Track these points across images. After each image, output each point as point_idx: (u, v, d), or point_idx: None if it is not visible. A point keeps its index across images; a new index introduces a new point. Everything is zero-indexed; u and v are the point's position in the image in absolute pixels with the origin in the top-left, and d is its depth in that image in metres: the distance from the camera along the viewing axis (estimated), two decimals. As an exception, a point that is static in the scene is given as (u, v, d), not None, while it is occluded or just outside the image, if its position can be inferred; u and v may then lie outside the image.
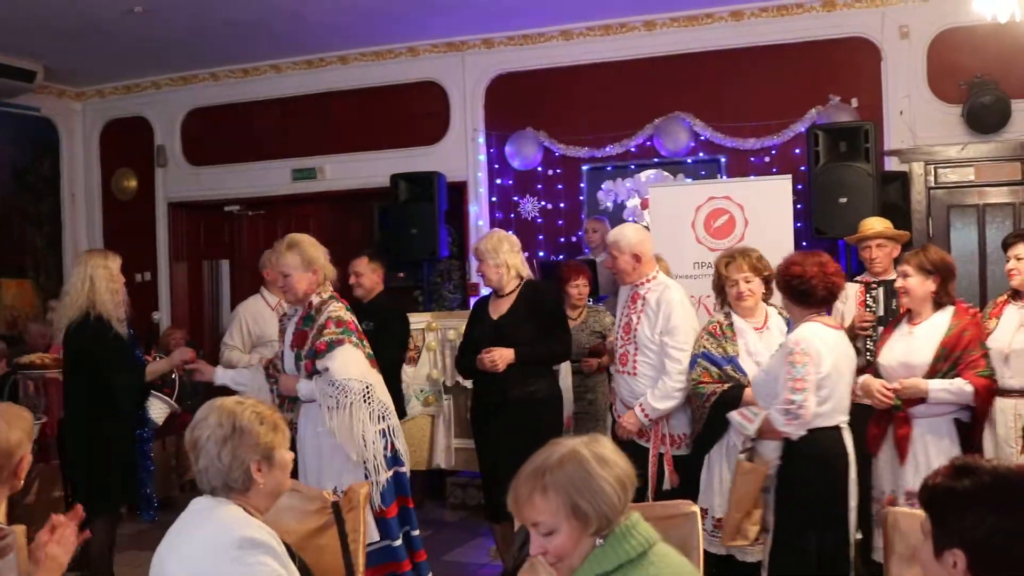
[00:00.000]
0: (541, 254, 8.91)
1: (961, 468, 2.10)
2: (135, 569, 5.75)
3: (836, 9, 8.18)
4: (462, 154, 9.20)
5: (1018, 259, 5.10)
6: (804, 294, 4.46)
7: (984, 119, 7.76)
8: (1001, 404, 5.06)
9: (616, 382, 5.75)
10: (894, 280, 5.29)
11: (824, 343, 4.40)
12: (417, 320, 7.42)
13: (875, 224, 6.29)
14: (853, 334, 5.70)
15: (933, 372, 4.80)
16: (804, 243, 7.71)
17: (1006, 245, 5.26)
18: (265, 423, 2.88)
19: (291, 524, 3.41)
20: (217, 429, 2.83)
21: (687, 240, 7.28)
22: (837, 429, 4.47)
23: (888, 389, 4.85)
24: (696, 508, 3.34)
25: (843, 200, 7.32)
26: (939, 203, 8.04)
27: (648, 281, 5.52)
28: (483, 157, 9.15)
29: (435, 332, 7.54)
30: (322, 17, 8.35)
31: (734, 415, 4.67)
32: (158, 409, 5.83)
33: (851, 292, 6.00)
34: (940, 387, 4.77)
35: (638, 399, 5.40)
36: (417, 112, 9.37)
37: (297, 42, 9.15)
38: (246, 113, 9.98)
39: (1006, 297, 5.26)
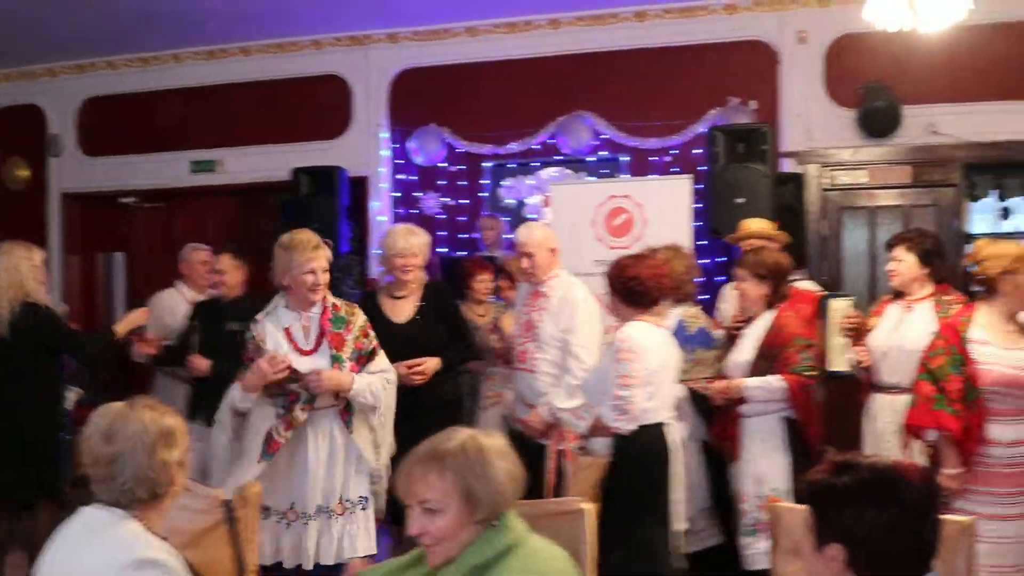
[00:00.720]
0: (443, 250, 8.86)
1: (841, 465, 2.14)
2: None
3: (737, 12, 8.29)
4: (364, 149, 9.10)
5: (897, 261, 5.23)
6: (638, 295, 4.69)
7: (877, 124, 7.94)
8: (879, 400, 5.18)
9: (515, 380, 5.72)
10: None
11: (650, 341, 4.65)
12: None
13: (751, 225, 6.25)
14: (729, 335, 5.77)
15: (753, 371, 4.91)
16: (703, 242, 7.81)
17: (888, 246, 5.39)
18: (172, 418, 2.79)
19: (182, 524, 3.29)
20: (144, 436, 2.67)
21: (587, 238, 7.30)
22: (660, 425, 4.69)
23: (717, 390, 5.01)
24: (586, 506, 3.28)
25: (740, 201, 7.40)
26: (833, 204, 8.20)
27: (551, 279, 5.53)
28: (386, 152, 9.06)
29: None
30: (225, 6, 8.21)
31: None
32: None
33: (730, 293, 6.04)
34: (755, 385, 4.90)
35: (540, 397, 5.38)
36: (320, 106, 9.26)
37: (199, 32, 8.98)
38: (145, 103, 9.74)
39: (889, 297, 5.38)
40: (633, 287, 4.66)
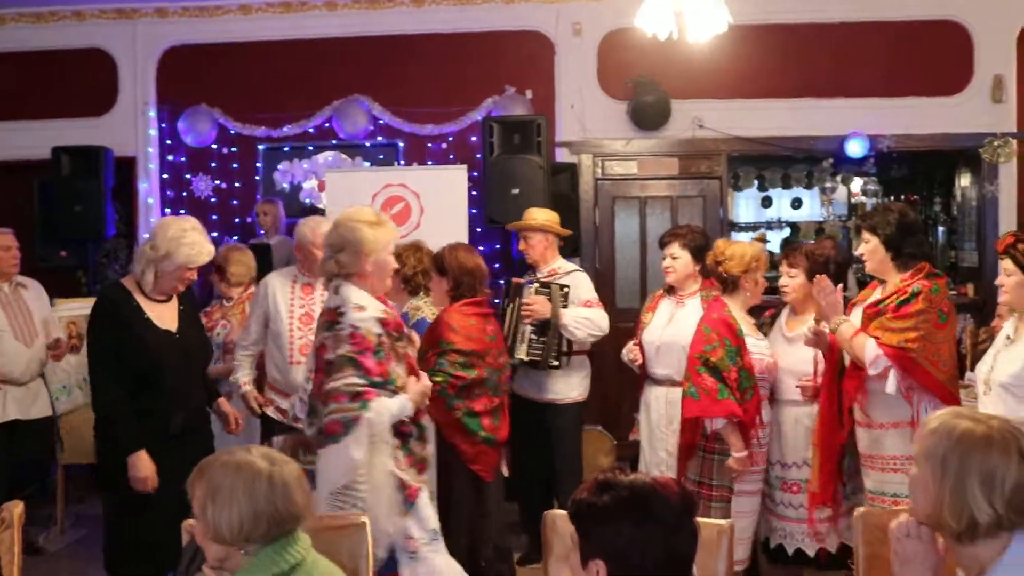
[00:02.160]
0: (215, 235, 8.57)
1: (603, 484, 2.22)
2: None
3: (514, 2, 8.36)
4: (131, 128, 8.70)
5: (673, 258, 5.33)
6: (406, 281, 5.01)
7: (647, 117, 8.18)
8: (654, 392, 5.33)
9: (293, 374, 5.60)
10: (549, 274, 5.76)
11: None
12: (80, 305, 6.94)
13: (536, 215, 6.14)
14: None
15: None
16: (479, 230, 7.85)
17: (662, 243, 5.47)
18: None
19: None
20: None
21: (363, 225, 7.20)
22: None
23: None
24: (366, 519, 3.22)
25: (515, 191, 7.46)
26: (605, 194, 8.40)
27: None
28: (154, 132, 8.70)
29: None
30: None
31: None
32: None
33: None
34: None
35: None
36: (83, 81, 8.77)
37: (-52, -1, 8.37)
38: None
39: (662, 292, 5.52)
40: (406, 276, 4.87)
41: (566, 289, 5.65)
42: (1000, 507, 2.13)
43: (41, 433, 6.36)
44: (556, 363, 5.65)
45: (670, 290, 5.43)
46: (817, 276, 4.52)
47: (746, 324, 4.86)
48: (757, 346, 4.83)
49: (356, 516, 3.20)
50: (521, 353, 5.60)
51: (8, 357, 6.01)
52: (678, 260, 5.32)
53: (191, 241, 4.34)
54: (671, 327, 5.26)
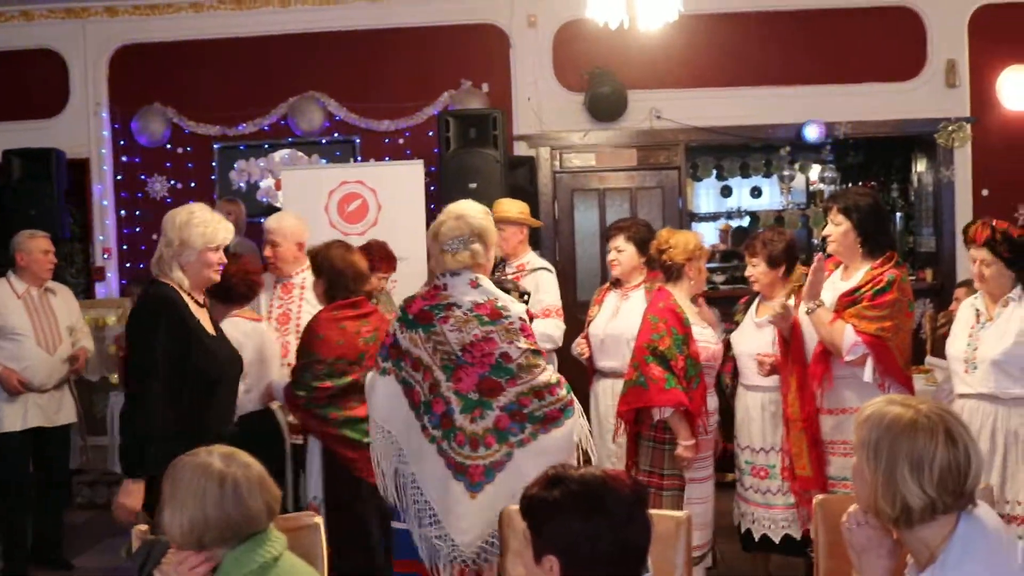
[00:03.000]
0: (171, 236, 8.48)
1: (553, 479, 2.20)
2: None
3: (459, -6, 8.32)
4: (83, 129, 8.59)
5: (618, 251, 5.33)
6: (225, 291, 4.70)
7: (603, 108, 8.18)
8: (601, 384, 5.35)
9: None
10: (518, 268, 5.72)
11: (244, 335, 4.72)
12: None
13: (502, 207, 5.96)
14: None
15: None
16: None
17: (607, 237, 5.46)
18: None
19: None
20: None
21: (321, 224, 7.10)
22: (266, 410, 4.95)
23: None
24: (319, 519, 3.15)
25: (473, 185, 7.41)
26: (564, 187, 8.39)
27: (302, 271, 5.43)
28: (107, 133, 8.60)
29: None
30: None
31: None
32: None
33: None
34: None
35: None
36: (33, 83, 8.64)
37: None
38: None
39: (608, 285, 5.52)
40: (223, 285, 4.48)
41: (526, 296, 5.60)
42: (931, 490, 2.14)
43: (66, 441, 6.29)
44: None
45: (616, 283, 5.44)
46: (819, 255, 4.50)
47: (691, 312, 4.82)
48: (703, 334, 4.80)
49: (310, 517, 3.14)
50: None
51: (30, 363, 5.91)
52: (623, 253, 5.32)
53: (201, 220, 3.97)
54: (616, 320, 5.28)
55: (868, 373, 4.28)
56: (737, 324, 5.12)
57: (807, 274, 4.50)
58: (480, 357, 3.70)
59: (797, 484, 4.62)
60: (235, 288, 4.82)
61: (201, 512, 2.38)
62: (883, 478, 2.18)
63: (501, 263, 5.88)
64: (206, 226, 3.96)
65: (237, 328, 4.71)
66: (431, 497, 3.70)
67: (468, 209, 3.90)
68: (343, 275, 4.67)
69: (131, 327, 3.95)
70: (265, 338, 4.98)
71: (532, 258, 5.92)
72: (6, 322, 6.03)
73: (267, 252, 5.56)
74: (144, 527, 2.89)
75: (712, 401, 4.86)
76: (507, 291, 5.42)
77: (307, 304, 5.34)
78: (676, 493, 4.71)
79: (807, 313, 4.39)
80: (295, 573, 2.50)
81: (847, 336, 4.26)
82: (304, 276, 5.40)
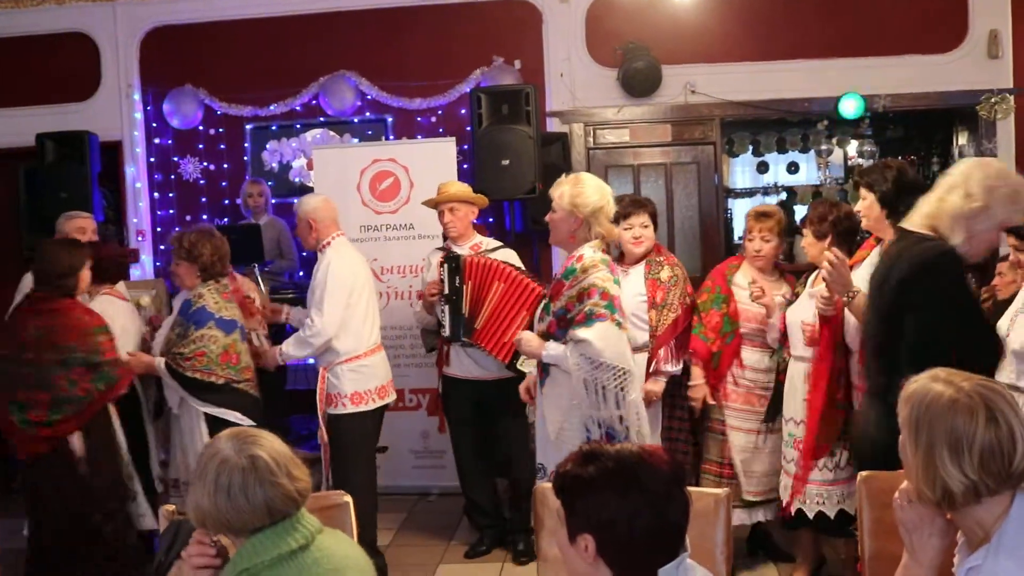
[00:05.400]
0: (204, 217, 8.48)
1: (587, 455, 2.15)
2: None
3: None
4: (116, 112, 8.58)
5: (643, 227, 5.37)
6: (101, 271, 5.33)
7: (638, 83, 8.06)
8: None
9: None
10: (473, 248, 5.73)
11: (115, 311, 5.30)
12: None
13: (450, 188, 5.89)
14: (427, 302, 5.79)
15: None
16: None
17: (626, 214, 5.35)
18: None
19: None
20: None
21: (353, 203, 7.11)
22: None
23: None
24: (349, 498, 3.13)
25: (505, 162, 7.34)
26: (598, 163, 8.28)
27: (326, 247, 5.49)
28: (139, 115, 8.59)
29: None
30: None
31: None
32: None
33: (434, 260, 5.90)
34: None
35: None
36: (65, 66, 8.64)
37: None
38: None
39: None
40: (97, 265, 5.17)
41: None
42: (972, 473, 2.05)
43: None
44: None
45: (619, 259, 5.40)
46: (827, 251, 4.40)
47: (745, 281, 5.23)
48: (746, 302, 5.19)
49: (339, 496, 3.10)
50: (528, 365, 5.41)
51: None
52: (647, 229, 5.39)
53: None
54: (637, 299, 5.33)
55: None
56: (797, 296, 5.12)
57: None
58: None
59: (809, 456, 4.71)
60: (105, 269, 5.37)
61: (202, 501, 2.33)
62: (923, 460, 2.11)
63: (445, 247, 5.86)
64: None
65: (110, 304, 5.33)
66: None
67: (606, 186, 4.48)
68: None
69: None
70: (126, 317, 5.45)
71: (483, 239, 5.91)
72: None
73: (297, 231, 5.65)
74: (171, 507, 2.86)
75: (754, 356, 5.21)
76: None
77: (313, 280, 5.46)
78: (715, 437, 5.28)
79: (845, 306, 4.31)
80: (318, 566, 2.37)
81: None
82: (325, 252, 5.46)
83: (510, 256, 5.75)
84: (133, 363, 5.14)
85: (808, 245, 4.97)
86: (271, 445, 2.38)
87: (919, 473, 2.12)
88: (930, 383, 2.16)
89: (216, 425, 4.87)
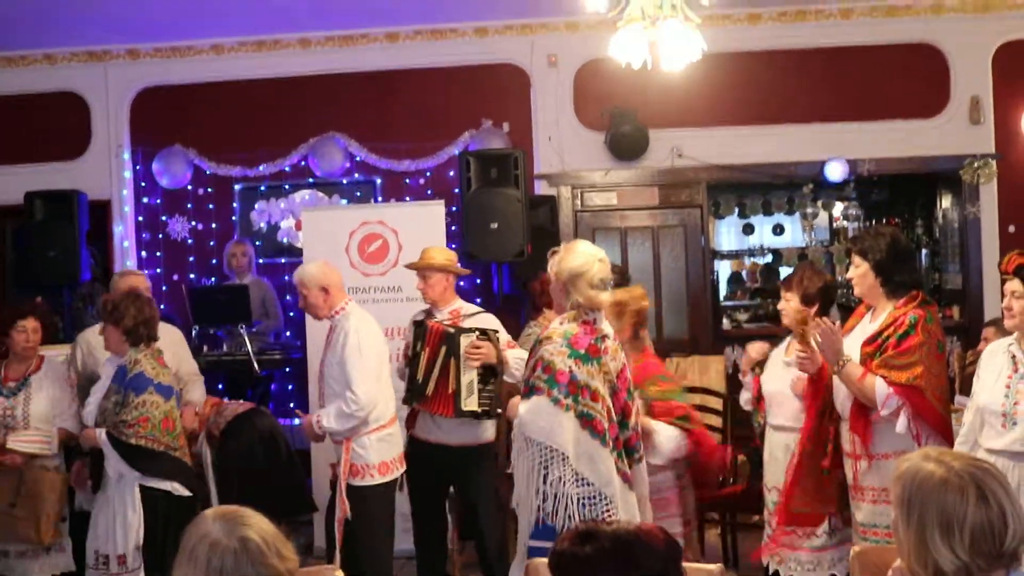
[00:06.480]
0: (192, 277, 8.48)
1: (584, 534, 2.16)
2: None
3: (488, 36, 8.34)
4: (105, 171, 8.61)
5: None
6: None
7: (625, 147, 8.15)
8: None
9: None
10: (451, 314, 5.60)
11: None
12: (57, 352, 6.75)
13: (434, 255, 5.77)
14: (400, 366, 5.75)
15: None
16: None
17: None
18: None
19: None
20: None
21: (342, 265, 6.99)
22: None
23: None
24: (340, 574, 3.10)
25: (494, 225, 7.38)
26: (585, 225, 8.34)
27: (337, 314, 5.38)
28: (128, 174, 8.62)
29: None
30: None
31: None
32: None
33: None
34: None
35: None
36: (55, 125, 8.68)
37: (-84, 44, 8.27)
38: None
39: None
40: None
41: (497, 334, 5.55)
42: (963, 554, 2.05)
43: None
44: (500, 411, 5.44)
45: None
46: (818, 319, 4.42)
47: None
48: None
49: (331, 571, 3.08)
50: (472, 404, 5.36)
51: None
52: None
53: None
54: None
55: (901, 425, 4.18)
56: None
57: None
58: (622, 382, 4.17)
59: (782, 519, 4.63)
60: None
61: None
62: (914, 540, 2.11)
63: (427, 310, 5.78)
64: None
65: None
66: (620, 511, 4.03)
67: (601, 252, 4.28)
68: None
69: None
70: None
71: (463, 304, 5.85)
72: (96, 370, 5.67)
73: (300, 304, 5.53)
74: None
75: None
76: (485, 333, 5.43)
77: (330, 351, 5.31)
78: None
79: (834, 373, 4.32)
80: None
81: (879, 390, 4.17)
82: (338, 320, 5.34)
83: (488, 321, 5.67)
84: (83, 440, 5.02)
85: (791, 310, 4.87)
86: (259, 525, 2.33)
87: (911, 552, 2.12)
88: (921, 462, 2.17)
89: (150, 496, 4.81)
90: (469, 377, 5.36)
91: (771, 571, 4.93)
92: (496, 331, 5.51)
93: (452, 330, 5.45)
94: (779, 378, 4.90)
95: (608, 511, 3.97)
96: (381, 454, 5.26)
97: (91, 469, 4.95)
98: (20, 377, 5.48)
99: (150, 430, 4.84)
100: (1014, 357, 3.89)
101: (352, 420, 5.16)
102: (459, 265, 5.89)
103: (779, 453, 4.86)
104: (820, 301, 4.82)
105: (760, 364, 5.11)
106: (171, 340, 5.81)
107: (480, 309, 5.89)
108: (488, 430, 5.66)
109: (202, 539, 2.27)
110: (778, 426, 4.89)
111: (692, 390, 6.76)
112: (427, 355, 5.46)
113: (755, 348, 5.19)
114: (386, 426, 5.31)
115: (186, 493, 4.88)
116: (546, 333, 4.17)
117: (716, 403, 6.45)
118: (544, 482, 4.00)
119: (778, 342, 5.15)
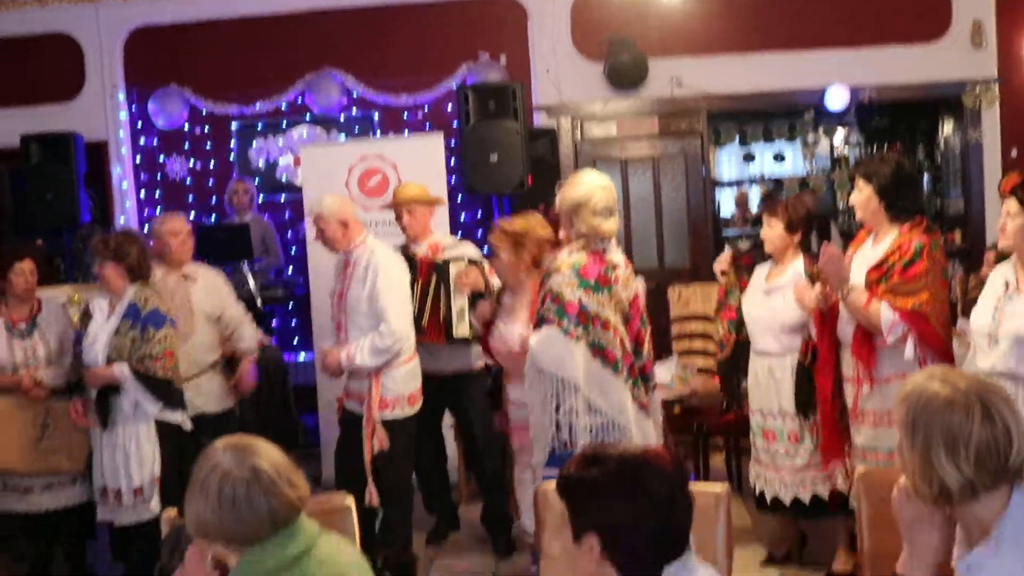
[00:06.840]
0: (192, 216, 8.46)
1: (590, 457, 2.16)
2: None
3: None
4: (100, 113, 8.54)
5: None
6: None
7: (624, 76, 8.07)
8: None
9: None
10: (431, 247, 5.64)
11: None
12: (58, 293, 6.75)
13: (406, 191, 5.83)
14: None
15: None
16: (460, 199, 7.78)
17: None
18: None
19: None
20: None
21: (342, 199, 7.09)
22: None
23: None
24: (351, 501, 3.13)
25: (493, 157, 7.31)
26: (586, 157, 8.29)
27: (355, 248, 5.28)
28: (124, 115, 8.56)
29: (77, 306, 6.90)
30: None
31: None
32: None
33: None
34: None
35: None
36: (49, 67, 8.59)
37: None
38: None
39: None
40: None
41: (482, 263, 5.58)
42: (968, 470, 2.07)
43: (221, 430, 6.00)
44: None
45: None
46: (824, 244, 4.45)
47: None
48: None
49: (342, 498, 3.11)
50: (464, 331, 5.47)
51: None
52: None
53: None
54: None
55: (909, 351, 4.18)
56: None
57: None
58: (635, 310, 4.21)
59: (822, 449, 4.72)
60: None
61: (204, 513, 2.27)
62: (920, 458, 2.12)
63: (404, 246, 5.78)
64: None
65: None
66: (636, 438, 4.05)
67: (606, 179, 4.23)
68: None
69: None
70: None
71: (443, 237, 5.89)
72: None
73: (315, 237, 5.42)
74: (174, 512, 2.85)
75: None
76: (473, 262, 5.48)
77: (354, 283, 5.21)
78: None
79: (841, 300, 4.32)
80: (321, 569, 2.33)
81: (884, 316, 4.16)
82: (359, 254, 5.23)
83: (468, 250, 5.73)
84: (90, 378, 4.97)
85: (777, 237, 4.91)
86: (269, 454, 2.35)
87: (916, 471, 2.13)
88: (927, 382, 2.17)
89: (165, 428, 4.87)
90: (460, 304, 5.48)
91: (757, 491, 5.04)
92: (480, 261, 5.56)
93: (441, 260, 5.52)
94: (760, 304, 4.96)
95: (622, 440, 3.99)
96: (408, 385, 5.25)
97: (98, 407, 4.95)
98: (27, 318, 5.48)
99: (175, 364, 4.93)
100: (1007, 281, 3.84)
101: (387, 355, 5.10)
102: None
103: (763, 378, 4.95)
104: (803, 229, 4.88)
105: (727, 273, 5.20)
106: (214, 284, 5.78)
107: (458, 240, 5.94)
108: (479, 356, 5.71)
109: (213, 469, 2.29)
110: (761, 351, 4.96)
111: (694, 318, 6.84)
112: (419, 286, 5.50)
113: (721, 258, 5.27)
114: (413, 358, 5.30)
115: (189, 426, 4.95)
116: (555, 264, 4.15)
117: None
118: (557, 412, 4.06)
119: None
